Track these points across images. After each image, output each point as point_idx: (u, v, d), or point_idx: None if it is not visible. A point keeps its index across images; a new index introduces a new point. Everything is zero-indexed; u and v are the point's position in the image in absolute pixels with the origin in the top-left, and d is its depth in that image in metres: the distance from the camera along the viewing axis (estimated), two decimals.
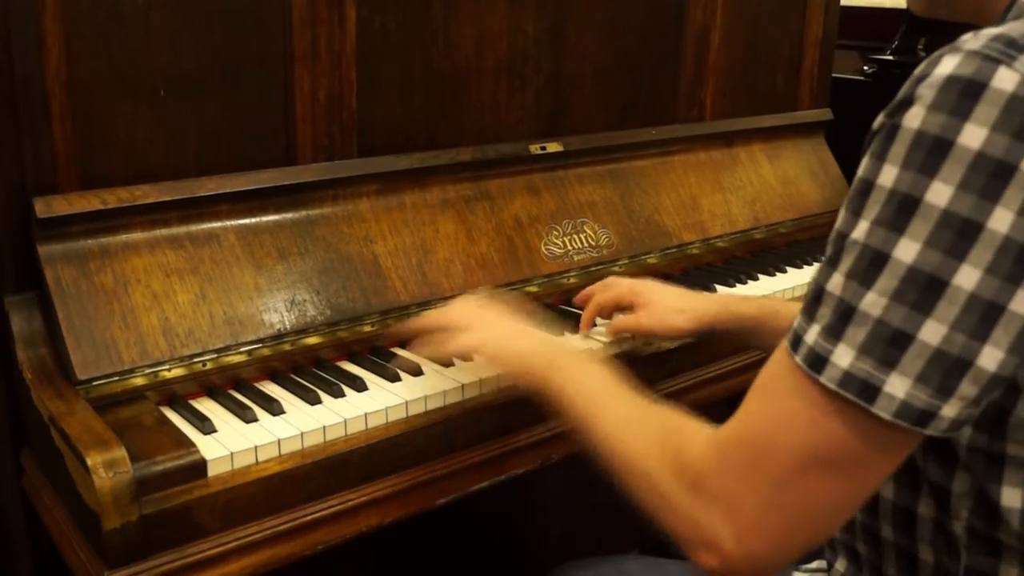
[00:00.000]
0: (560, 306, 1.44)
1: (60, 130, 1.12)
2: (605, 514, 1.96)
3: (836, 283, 0.66)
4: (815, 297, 0.68)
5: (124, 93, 1.16)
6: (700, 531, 0.72)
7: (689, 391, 1.39)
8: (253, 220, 1.23)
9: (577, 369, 0.96)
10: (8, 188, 1.10)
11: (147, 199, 1.14)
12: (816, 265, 1.71)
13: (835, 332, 0.66)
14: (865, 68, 2.50)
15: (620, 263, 1.55)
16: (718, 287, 1.56)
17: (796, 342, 0.68)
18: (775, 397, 0.70)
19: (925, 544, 0.79)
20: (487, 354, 1.07)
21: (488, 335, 1.07)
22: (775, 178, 1.89)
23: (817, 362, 0.66)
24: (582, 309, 1.34)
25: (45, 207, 1.08)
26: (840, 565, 0.91)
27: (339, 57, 1.32)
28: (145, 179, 1.17)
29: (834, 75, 2.12)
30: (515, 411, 1.18)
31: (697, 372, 1.41)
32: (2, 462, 1.22)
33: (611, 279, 1.33)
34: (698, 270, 1.67)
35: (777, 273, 1.66)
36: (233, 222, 1.21)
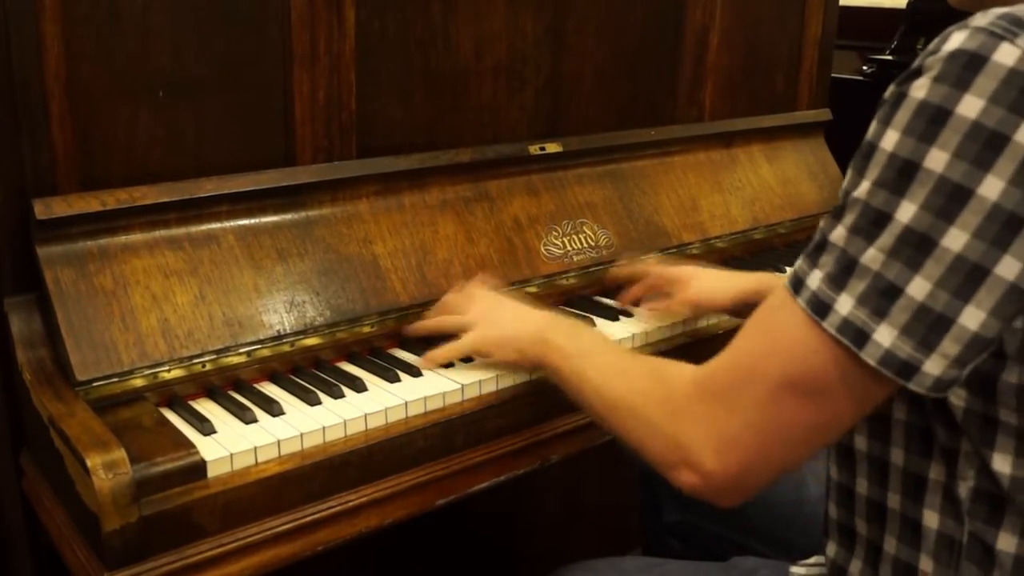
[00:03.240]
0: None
1: (59, 131, 1.12)
2: (605, 514, 1.96)
3: (839, 235, 0.72)
4: (819, 245, 0.73)
5: (123, 94, 1.16)
6: (681, 451, 0.78)
7: None
8: (252, 221, 1.23)
9: (566, 336, 1.04)
10: (7, 189, 1.10)
11: (146, 200, 1.14)
12: None
13: (838, 282, 0.71)
14: (864, 68, 2.50)
15: (619, 264, 1.55)
16: None
17: (798, 284, 0.74)
18: (768, 329, 0.76)
19: (932, 511, 0.81)
20: (487, 350, 1.15)
21: (486, 330, 1.15)
22: (774, 178, 1.89)
23: (821, 307, 0.71)
24: (612, 298, 1.43)
25: (44, 208, 1.08)
26: (831, 550, 0.92)
27: (338, 58, 1.32)
28: (144, 180, 1.17)
29: (833, 75, 2.13)
30: (514, 412, 1.18)
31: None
32: (1, 463, 1.22)
33: (653, 266, 1.42)
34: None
35: (777, 273, 1.66)
36: (232, 223, 1.21)
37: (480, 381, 1.17)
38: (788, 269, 1.68)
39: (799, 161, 1.96)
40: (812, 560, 1.01)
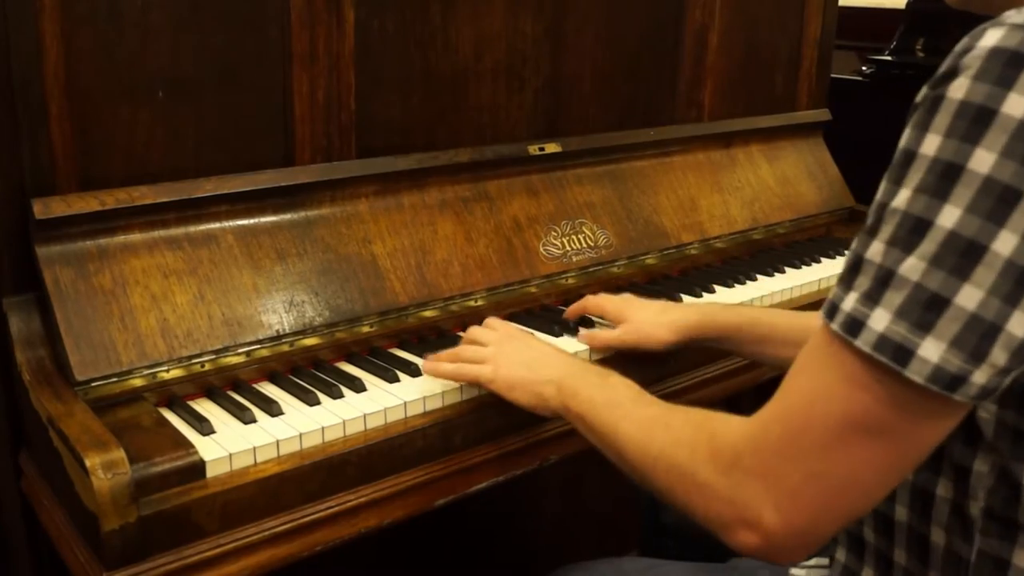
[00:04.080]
0: (558, 307, 1.44)
1: (59, 131, 1.12)
2: (604, 515, 1.97)
3: (876, 251, 0.67)
4: (853, 267, 0.69)
5: (123, 94, 1.16)
6: (738, 509, 0.73)
7: (688, 391, 1.39)
8: (252, 221, 1.23)
9: (593, 387, 0.98)
10: (7, 189, 1.10)
11: (145, 200, 1.14)
12: (815, 266, 1.72)
13: (873, 297, 0.66)
14: (864, 68, 2.50)
15: (619, 264, 1.55)
16: (717, 288, 1.57)
17: (832, 311, 0.69)
18: (812, 370, 0.71)
19: (939, 527, 0.79)
20: (499, 389, 1.10)
21: (502, 369, 1.10)
22: (773, 179, 1.89)
23: (853, 326, 0.67)
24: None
25: (43, 208, 1.08)
26: (841, 555, 0.91)
27: (337, 58, 1.32)
28: (144, 180, 1.17)
29: (833, 75, 2.13)
30: (514, 412, 1.18)
31: (695, 373, 1.40)
32: (1, 464, 1.22)
33: (591, 298, 1.35)
34: (697, 271, 1.67)
35: (776, 273, 1.67)
36: (232, 223, 1.21)
37: None
38: (788, 269, 1.68)
39: (798, 161, 1.96)
40: (812, 561, 1.01)
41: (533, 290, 1.43)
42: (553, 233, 1.49)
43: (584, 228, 1.54)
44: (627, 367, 1.26)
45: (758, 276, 1.64)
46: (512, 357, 1.11)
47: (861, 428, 0.68)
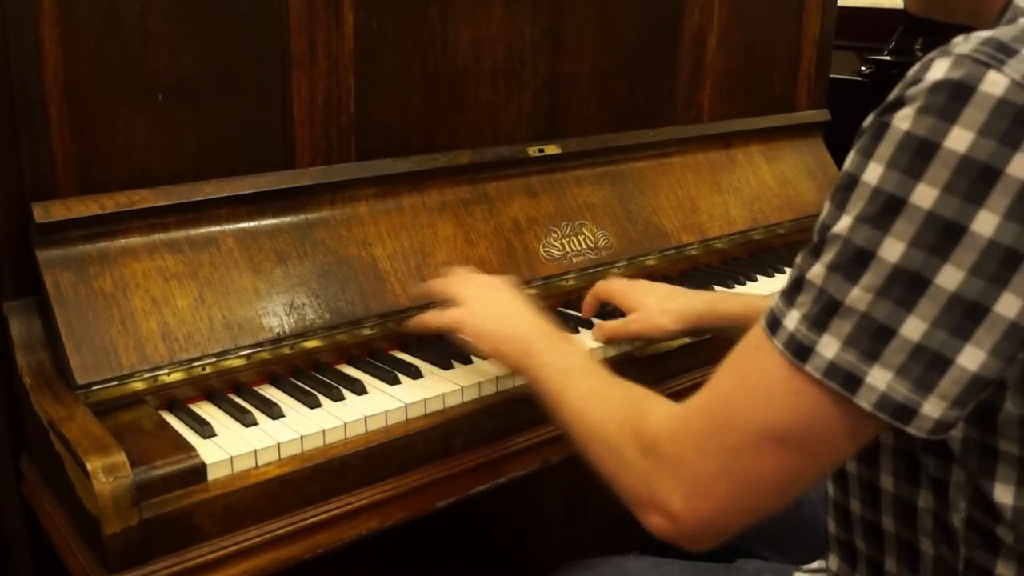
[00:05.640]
0: (558, 308, 1.44)
1: (58, 135, 1.12)
2: (605, 515, 1.96)
3: (817, 273, 0.68)
4: (795, 284, 0.70)
5: (122, 98, 1.16)
6: (651, 492, 0.75)
7: (689, 392, 1.38)
8: (252, 224, 1.23)
9: (551, 351, 0.99)
10: (6, 193, 1.10)
11: (145, 203, 1.14)
12: None
13: (820, 323, 0.67)
14: (863, 69, 2.51)
15: (619, 265, 1.55)
16: (717, 288, 1.56)
17: (774, 325, 0.70)
18: (745, 372, 0.72)
19: (926, 536, 0.79)
20: (468, 333, 1.11)
21: (474, 314, 1.10)
22: (773, 179, 1.89)
23: (801, 351, 0.68)
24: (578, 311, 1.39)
25: (43, 212, 1.08)
26: (833, 563, 0.91)
27: (337, 60, 1.32)
28: (143, 184, 1.17)
29: (832, 76, 2.13)
30: (514, 414, 1.18)
31: (696, 374, 1.40)
32: (2, 467, 1.22)
33: (606, 281, 1.35)
34: (697, 271, 1.67)
35: (776, 274, 1.67)
36: (232, 226, 1.21)
37: (480, 383, 1.17)
38: (788, 270, 1.69)
39: (798, 162, 1.96)
40: (815, 565, 1.01)
41: (533, 291, 1.43)
42: (553, 234, 1.49)
43: (584, 229, 1.54)
44: (629, 367, 1.28)
45: (758, 276, 1.64)
46: (486, 308, 1.11)
47: (783, 438, 0.69)
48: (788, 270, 1.68)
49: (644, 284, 1.32)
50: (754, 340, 0.72)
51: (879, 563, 0.85)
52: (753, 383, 0.71)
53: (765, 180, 1.87)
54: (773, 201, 1.86)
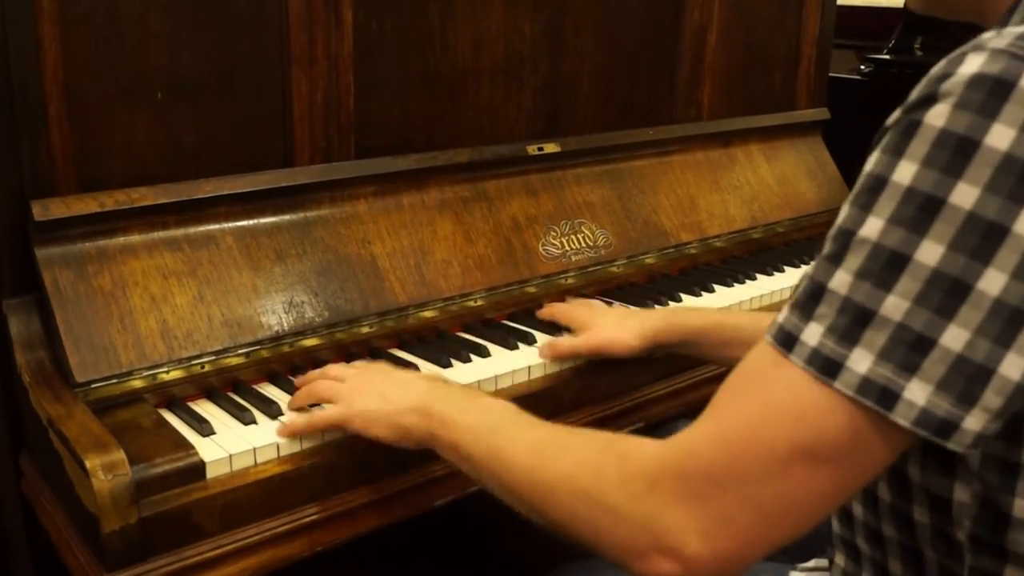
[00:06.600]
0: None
1: (57, 133, 1.12)
2: None
3: (841, 282, 0.64)
4: (812, 294, 0.65)
5: (121, 96, 1.16)
6: (654, 536, 0.68)
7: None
8: (251, 222, 1.23)
9: (464, 411, 0.90)
10: (6, 191, 1.10)
11: (145, 201, 1.14)
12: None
13: (849, 336, 0.63)
14: (862, 67, 2.51)
15: (618, 263, 1.55)
16: (716, 287, 1.57)
17: (789, 341, 0.65)
18: (761, 393, 0.67)
19: (927, 545, 0.78)
20: (357, 428, 1.00)
21: (356, 405, 1.00)
22: (772, 178, 1.89)
23: (830, 367, 0.63)
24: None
25: (43, 210, 1.08)
26: (840, 560, 0.91)
27: (336, 59, 1.32)
28: (143, 181, 1.17)
29: (831, 74, 2.13)
30: None
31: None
32: (1, 465, 1.22)
33: (558, 305, 1.36)
34: (696, 270, 1.67)
35: (775, 272, 1.67)
36: (231, 224, 1.21)
37: (479, 381, 1.17)
38: (787, 268, 1.69)
39: (797, 160, 1.96)
40: (812, 563, 1.00)
41: (532, 290, 1.43)
42: (552, 233, 1.50)
43: (583, 228, 1.54)
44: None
45: (757, 275, 1.64)
46: (367, 390, 1.01)
47: (814, 455, 0.64)
48: (787, 269, 1.68)
49: (601, 306, 1.30)
50: (764, 360, 0.67)
51: (883, 565, 0.84)
52: (776, 404, 0.65)
53: (764, 179, 1.87)
54: (772, 200, 1.86)
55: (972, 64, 0.61)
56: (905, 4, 0.91)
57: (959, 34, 0.66)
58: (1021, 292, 0.59)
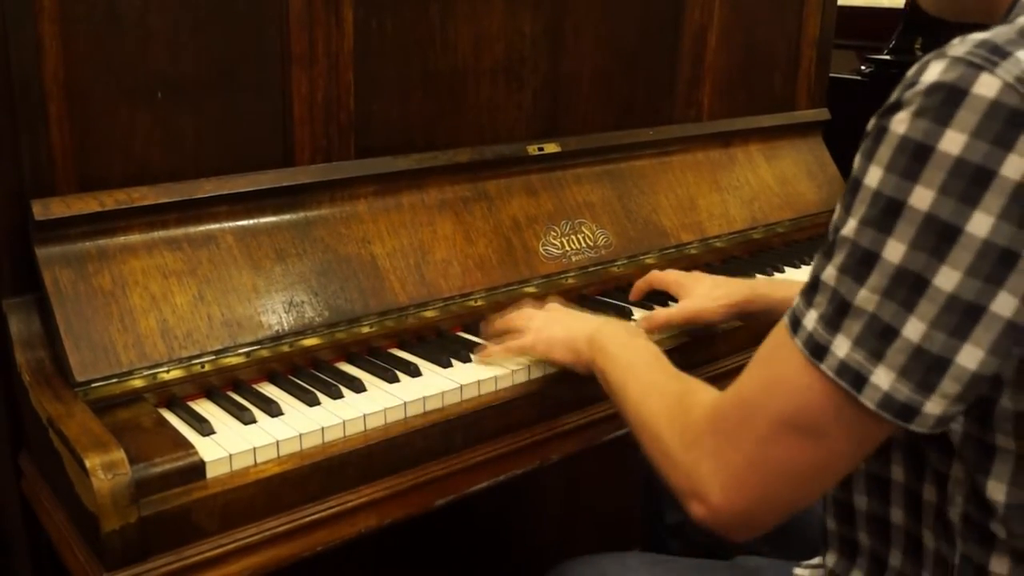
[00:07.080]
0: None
1: (58, 132, 1.12)
2: (605, 514, 1.96)
3: (830, 275, 0.70)
4: (812, 284, 0.72)
5: (122, 95, 1.16)
6: (692, 483, 0.78)
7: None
8: (251, 221, 1.23)
9: (618, 345, 1.05)
10: (6, 190, 1.10)
11: (145, 201, 1.14)
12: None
13: (833, 323, 0.70)
14: (862, 68, 2.51)
15: (618, 263, 1.55)
16: None
17: (795, 324, 0.73)
18: (770, 366, 0.75)
19: (928, 530, 0.81)
20: (539, 354, 1.19)
21: (538, 335, 1.19)
22: (773, 178, 1.89)
23: (818, 350, 0.70)
24: (617, 300, 1.47)
25: (43, 209, 1.08)
26: (831, 560, 0.92)
27: (336, 58, 1.32)
28: (143, 181, 1.17)
29: (831, 75, 2.13)
30: (513, 412, 1.18)
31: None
32: (1, 465, 1.22)
33: (661, 272, 1.45)
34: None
35: (775, 273, 1.67)
36: (231, 224, 1.21)
37: (479, 381, 1.17)
38: (787, 268, 1.69)
39: (797, 161, 1.96)
40: (815, 561, 1.01)
41: (532, 290, 1.43)
42: (552, 233, 1.50)
43: (583, 228, 1.54)
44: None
45: (757, 275, 1.64)
46: (550, 323, 1.19)
47: (799, 428, 0.72)
48: (787, 269, 1.68)
49: (693, 274, 1.40)
50: (779, 337, 0.75)
51: (882, 557, 0.86)
52: (775, 377, 0.73)
53: (764, 179, 1.87)
54: (773, 200, 1.86)
55: (932, 72, 0.65)
56: (916, 3, 0.92)
57: (959, 35, 0.67)
58: (976, 288, 0.64)
